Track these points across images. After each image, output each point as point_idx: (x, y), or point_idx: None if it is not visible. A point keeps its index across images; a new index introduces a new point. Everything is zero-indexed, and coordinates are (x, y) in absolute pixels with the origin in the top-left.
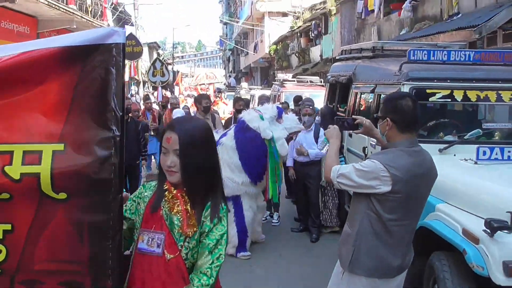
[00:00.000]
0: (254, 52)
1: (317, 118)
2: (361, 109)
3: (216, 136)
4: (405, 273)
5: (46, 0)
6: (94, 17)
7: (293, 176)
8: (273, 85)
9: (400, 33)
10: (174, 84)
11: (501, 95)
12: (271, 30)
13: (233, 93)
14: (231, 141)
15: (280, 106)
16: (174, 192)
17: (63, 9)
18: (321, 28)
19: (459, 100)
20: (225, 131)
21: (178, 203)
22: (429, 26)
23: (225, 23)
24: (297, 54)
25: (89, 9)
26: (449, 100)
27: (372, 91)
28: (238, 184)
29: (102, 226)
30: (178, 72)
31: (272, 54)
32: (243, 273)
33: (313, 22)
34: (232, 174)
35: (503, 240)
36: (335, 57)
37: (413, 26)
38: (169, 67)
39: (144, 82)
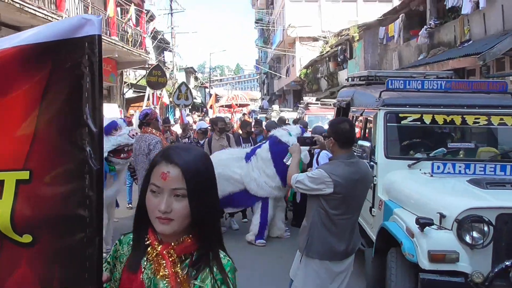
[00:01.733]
0: (286, 75)
1: None
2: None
3: (247, 150)
4: (353, 258)
5: None
6: (134, 46)
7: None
8: (299, 108)
9: (418, 58)
10: (209, 107)
11: (466, 119)
12: (302, 54)
13: (265, 115)
14: (266, 152)
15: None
16: (159, 248)
17: (106, 40)
18: (346, 53)
19: (428, 123)
20: (258, 144)
21: (165, 264)
22: (443, 52)
23: (260, 48)
24: (326, 78)
25: (130, 39)
26: (419, 123)
27: (361, 115)
28: (272, 187)
29: (75, 279)
30: (211, 95)
31: (302, 77)
32: (244, 269)
33: (340, 47)
34: (269, 179)
35: (430, 234)
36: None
37: (430, 52)
38: (206, 90)
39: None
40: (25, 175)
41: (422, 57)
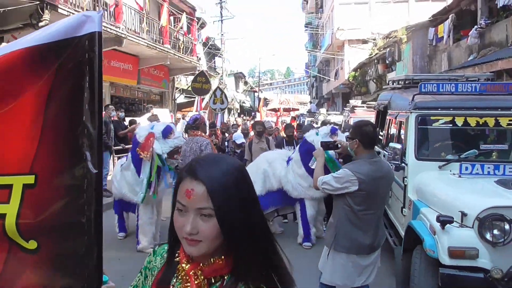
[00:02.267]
0: (334, 78)
1: None
2: (391, 132)
3: (289, 153)
4: (379, 252)
5: (146, 42)
6: (185, 53)
7: None
8: (344, 111)
9: (468, 59)
10: (256, 111)
11: (499, 121)
12: (350, 57)
13: (313, 119)
14: (296, 155)
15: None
16: (187, 267)
17: (159, 48)
18: (395, 55)
19: (460, 126)
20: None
21: (189, 285)
22: (494, 52)
23: (309, 52)
24: (374, 80)
25: (181, 47)
26: (451, 125)
27: (396, 118)
28: (306, 188)
29: None
30: (260, 99)
31: (351, 80)
32: None
33: (388, 49)
34: (301, 180)
35: (451, 232)
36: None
37: (480, 52)
38: (255, 94)
39: (230, 109)
40: (31, 179)
41: (472, 58)
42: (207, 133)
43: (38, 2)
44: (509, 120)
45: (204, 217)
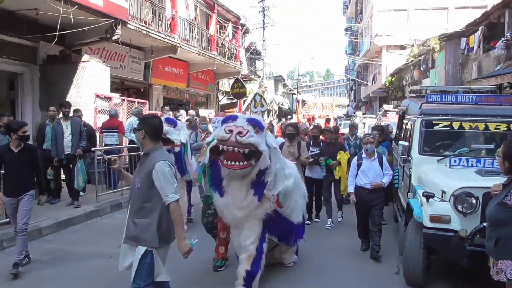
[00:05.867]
0: (372, 83)
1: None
2: (407, 133)
3: None
4: None
5: (196, 49)
6: (230, 59)
7: (354, 200)
8: (378, 115)
9: (496, 69)
10: (293, 113)
11: (488, 126)
12: (388, 62)
13: (349, 121)
14: None
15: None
16: None
17: (208, 55)
18: (429, 62)
19: (456, 129)
20: None
21: None
22: None
23: (347, 56)
24: (410, 86)
25: (227, 53)
26: (449, 128)
27: (409, 121)
28: None
29: None
30: (298, 101)
31: (387, 85)
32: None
33: (423, 56)
34: None
35: (433, 204)
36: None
37: (506, 63)
38: (294, 97)
39: (269, 111)
40: None
41: (498, 68)
42: None
43: (112, 20)
44: (496, 126)
45: None
